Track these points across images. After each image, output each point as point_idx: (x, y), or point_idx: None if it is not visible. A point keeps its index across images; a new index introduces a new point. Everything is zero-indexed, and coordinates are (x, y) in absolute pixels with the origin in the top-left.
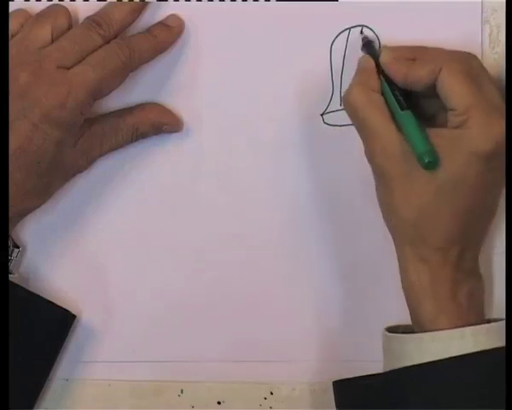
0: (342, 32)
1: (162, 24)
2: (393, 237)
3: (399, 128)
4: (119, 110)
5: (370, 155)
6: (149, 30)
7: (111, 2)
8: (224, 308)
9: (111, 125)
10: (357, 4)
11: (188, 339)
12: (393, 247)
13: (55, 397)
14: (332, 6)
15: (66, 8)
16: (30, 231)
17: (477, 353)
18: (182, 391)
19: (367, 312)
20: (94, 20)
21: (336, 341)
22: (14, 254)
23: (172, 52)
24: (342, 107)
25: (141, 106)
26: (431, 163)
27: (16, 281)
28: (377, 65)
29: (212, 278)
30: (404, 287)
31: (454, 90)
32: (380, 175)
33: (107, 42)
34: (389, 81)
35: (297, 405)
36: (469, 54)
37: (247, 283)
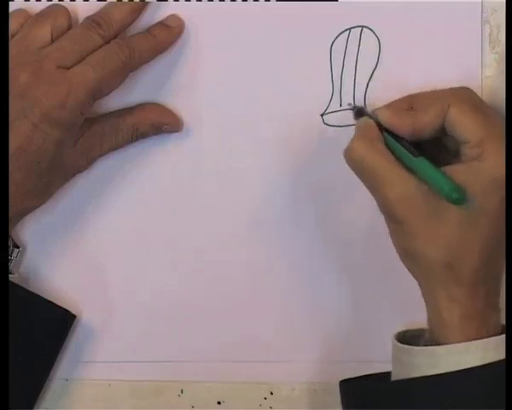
0: (342, 32)
1: (162, 24)
2: (420, 281)
3: (413, 174)
4: (119, 110)
5: (385, 204)
6: (149, 30)
7: (111, 2)
8: (224, 308)
9: (111, 125)
10: (357, 4)
11: (188, 339)
12: (394, 247)
13: (55, 397)
14: (332, 6)
15: (66, 8)
16: (30, 231)
17: (483, 366)
18: (182, 391)
19: (367, 312)
20: (94, 20)
21: (336, 341)
22: (14, 254)
23: (172, 52)
24: (342, 108)
25: (141, 106)
26: (460, 199)
27: (16, 281)
28: (377, 124)
29: (211, 277)
30: (432, 326)
31: (466, 125)
32: (397, 222)
33: (107, 42)
34: (393, 134)
35: (297, 405)
36: (466, 88)
37: (247, 283)
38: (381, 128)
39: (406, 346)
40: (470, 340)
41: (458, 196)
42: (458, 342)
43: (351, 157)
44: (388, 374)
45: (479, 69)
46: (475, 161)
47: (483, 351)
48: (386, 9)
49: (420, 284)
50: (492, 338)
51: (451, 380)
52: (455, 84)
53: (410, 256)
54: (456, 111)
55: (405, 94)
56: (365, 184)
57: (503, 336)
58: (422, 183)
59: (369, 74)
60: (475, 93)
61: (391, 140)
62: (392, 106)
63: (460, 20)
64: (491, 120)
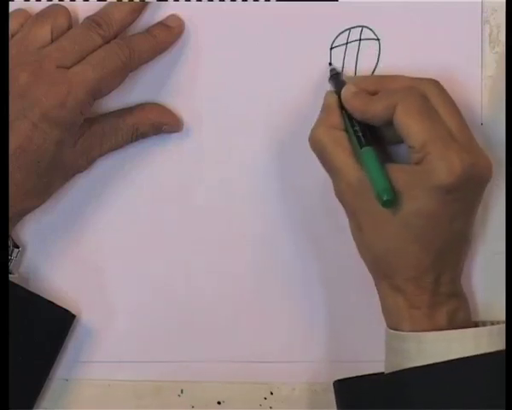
0: (342, 32)
1: (162, 24)
2: (369, 270)
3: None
4: (118, 110)
5: (338, 193)
6: (149, 30)
7: (111, 2)
8: (224, 308)
9: (111, 125)
10: (357, 4)
11: (188, 339)
12: None
13: (55, 397)
14: (332, 6)
15: (66, 8)
16: (30, 231)
17: (478, 356)
18: (182, 391)
19: (367, 312)
20: (94, 20)
21: (336, 341)
22: (14, 254)
23: (172, 52)
24: None
25: (141, 106)
26: (389, 201)
27: (16, 281)
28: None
29: (211, 277)
30: (383, 313)
31: (409, 128)
32: (349, 212)
33: (107, 42)
34: (350, 117)
35: (297, 405)
36: (429, 81)
37: (247, 283)
38: (342, 106)
39: (395, 331)
40: (421, 329)
41: (387, 198)
42: (409, 331)
43: (312, 142)
44: (382, 374)
45: (479, 69)
46: (417, 165)
47: (474, 340)
48: (386, 9)
49: (371, 274)
50: (486, 328)
51: (444, 370)
52: (455, 84)
53: (358, 246)
54: (401, 112)
55: None
56: (324, 169)
57: (499, 326)
58: None
59: (369, 74)
60: (438, 91)
61: (347, 124)
62: (360, 83)
63: (460, 20)
64: (442, 125)
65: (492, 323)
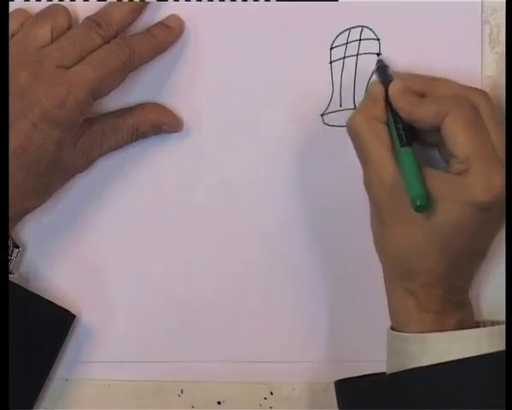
0: (342, 32)
1: (162, 24)
2: (383, 267)
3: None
4: (118, 110)
5: (368, 185)
6: (149, 30)
7: (111, 2)
8: (224, 308)
9: (111, 125)
10: (357, 4)
11: (188, 339)
12: None
13: (55, 397)
14: (332, 6)
15: (66, 8)
16: (30, 231)
17: (479, 356)
18: (182, 391)
19: (367, 312)
20: (94, 20)
21: (336, 341)
22: (14, 254)
23: (172, 52)
24: (342, 108)
25: (141, 106)
26: (422, 207)
27: (16, 281)
28: (387, 93)
29: (212, 277)
30: (390, 310)
31: (457, 139)
32: (375, 205)
33: (107, 42)
34: (395, 113)
35: (297, 405)
36: (479, 92)
37: (247, 283)
38: (388, 99)
39: (398, 333)
40: (429, 331)
41: (421, 204)
42: (415, 332)
43: (351, 127)
44: (384, 374)
45: (479, 69)
46: (458, 176)
47: (476, 340)
48: (386, 9)
49: (384, 275)
50: (487, 328)
51: (446, 371)
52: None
53: (376, 241)
54: (451, 121)
55: None
56: (358, 157)
57: (499, 326)
58: None
59: (369, 74)
60: (488, 103)
61: (390, 119)
62: (409, 81)
63: (460, 20)
64: (488, 141)
65: (493, 323)
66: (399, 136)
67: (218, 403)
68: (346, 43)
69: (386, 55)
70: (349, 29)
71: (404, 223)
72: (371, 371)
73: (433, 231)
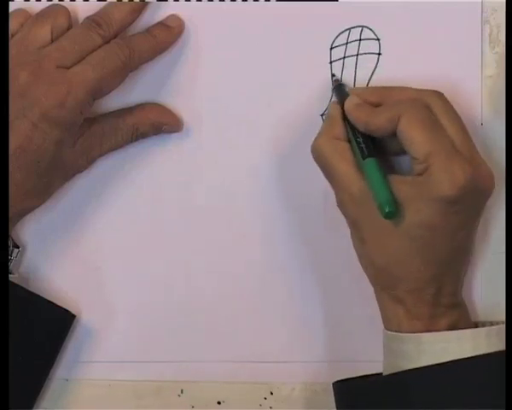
0: (342, 32)
1: (162, 24)
2: (369, 280)
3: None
4: (118, 110)
5: (340, 204)
6: (149, 30)
7: (111, 2)
8: (224, 309)
9: (111, 125)
10: (357, 4)
11: (188, 339)
12: None
13: (55, 397)
14: (332, 6)
15: (66, 8)
16: (30, 231)
17: (477, 357)
18: (182, 391)
19: (367, 312)
20: (94, 20)
21: (336, 341)
22: (14, 254)
23: (172, 52)
24: None
25: (141, 106)
26: (391, 213)
27: (16, 281)
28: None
29: (212, 277)
30: (383, 322)
31: (413, 139)
32: (351, 223)
33: (107, 42)
34: (353, 128)
35: (297, 405)
36: (432, 93)
37: (247, 283)
38: (345, 116)
39: (394, 333)
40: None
41: (389, 210)
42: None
43: (315, 151)
44: (381, 375)
45: (479, 69)
46: (420, 177)
47: (472, 341)
48: (386, 9)
49: (371, 283)
50: (484, 328)
51: (443, 371)
52: (455, 85)
53: (359, 256)
54: (405, 123)
55: None
56: (326, 178)
57: (497, 326)
58: None
59: (369, 74)
60: (441, 102)
61: (350, 135)
62: (364, 95)
63: (460, 20)
64: (446, 137)
65: (492, 323)
66: (360, 149)
67: (218, 403)
68: (346, 43)
69: (387, 55)
70: (349, 29)
71: (378, 233)
72: (371, 372)
73: (407, 234)
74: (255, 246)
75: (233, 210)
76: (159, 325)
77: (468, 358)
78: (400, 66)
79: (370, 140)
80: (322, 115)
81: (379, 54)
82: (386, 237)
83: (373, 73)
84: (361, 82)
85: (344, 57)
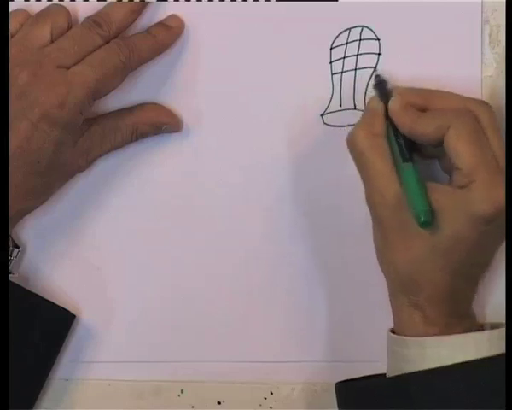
0: (342, 32)
1: (162, 24)
2: (387, 282)
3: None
4: (118, 110)
5: (369, 201)
6: (149, 30)
7: (111, 3)
8: (224, 308)
9: (110, 125)
10: (357, 4)
11: (188, 339)
12: None
13: (55, 397)
14: (332, 6)
15: (66, 8)
16: (30, 231)
17: (479, 360)
18: (182, 391)
19: (367, 312)
20: (94, 20)
21: (336, 341)
22: (14, 254)
23: (172, 52)
24: (342, 108)
25: (140, 106)
26: (426, 223)
27: (16, 281)
28: (387, 108)
29: (212, 277)
30: (396, 324)
31: (461, 152)
32: (377, 222)
33: (107, 42)
34: (395, 128)
35: (297, 405)
36: (480, 103)
37: (247, 283)
38: (388, 114)
39: (398, 336)
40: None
41: (425, 220)
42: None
43: (351, 143)
44: (384, 376)
45: (479, 69)
46: (461, 190)
47: (475, 344)
48: (386, 9)
49: (388, 289)
50: (486, 332)
51: (446, 374)
52: (455, 85)
53: (380, 257)
54: (453, 135)
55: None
56: (359, 173)
57: (499, 330)
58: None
59: (369, 74)
60: (489, 115)
61: (391, 134)
62: (408, 96)
63: (460, 20)
64: (490, 153)
65: (492, 326)
66: (401, 152)
67: (218, 403)
68: (346, 44)
69: (387, 55)
70: (349, 29)
71: (407, 239)
72: (371, 372)
73: (438, 245)
74: (256, 246)
75: (233, 210)
76: (159, 325)
77: (470, 361)
78: (400, 66)
79: (410, 143)
80: (322, 115)
81: (379, 54)
82: (415, 243)
83: (373, 73)
84: (361, 82)
85: (344, 57)
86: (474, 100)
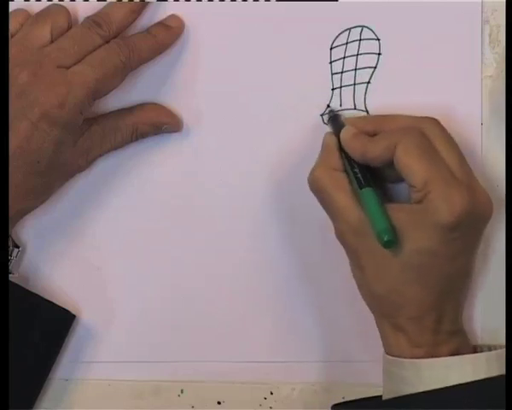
0: (342, 32)
1: (162, 24)
2: (371, 310)
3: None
4: (118, 110)
5: (338, 234)
6: (149, 30)
7: (111, 2)
8: (224, 308)
9: (110, 125)
10: (357, 4)
11: (188, 339)
12: None
13: (55, 397)
14: (332, 6)
15: (66, 8)
16: (30, 231)
17: (476, 382)
18: (182, 391)
19: (367, 312)
20: (94, 20)
21: (336, 341)
22: (14, 254)
23: (172, 52)
24: (342, 108)
25: (140, 106)
26: (389, 241)
27: (16, 281)
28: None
29: (212, 277)
30: (385, 349)
31: (410, 167)
32: (350, 253)
33: (107, 42)
34: (349, 158)
35: (297, 405)
36: (428, 120)
37: (247, 283)
38: (341, 147)
39: (394, 358)
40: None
41: (388, 239)
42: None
43: (311, 183)
44: (380, 399)
45: (479, 69)
46: (418, 205)
47: (473, 366)
48: (386, 9)
49: (372, 313)
50: (484, 353)
51: (443, 396)
52: (455, 85)
53: (359, 286)
54: (401, 151)
55: (404, 94)
56: (323, 208)
57: (497, 351)
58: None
59: (369, 74)
60: (437, 130)
61: (346, 165)
62: (359, 124)
63: (460, 20)
64: (442, 163)
65: (490, 348)
66: (357, 179)
67: (218, 403)
68: (346, 44)
69: (387, 55)
70: (349, 29)
71: (377, 262)
72: (371, 372)
73: (406, 262)
74: (256, 245)
75: (233, 210)
76: (159, 325)
77: (468, 383)
78: (400, 66)
79: (367, 169)
80: (322, 115)
81: (379, 54)
82: (386, 266)
83: (373, 72)
84: (361, 82)
85: (344, 57)
86: (422, 117)
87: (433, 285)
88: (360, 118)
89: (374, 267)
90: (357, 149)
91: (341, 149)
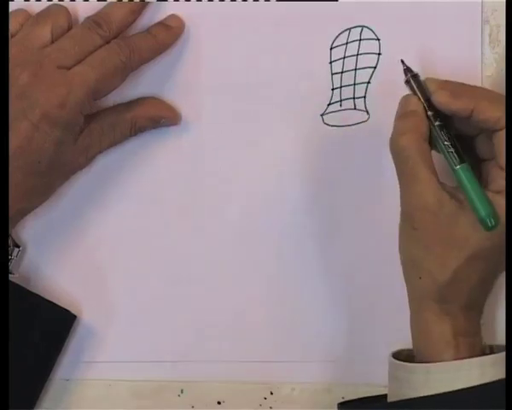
0: (342, 32)
1: (162, 24)
2: (412, 290)
3: (457, 183)
4: (116, 105)
5: (408, 206)
6: (149, 30)
7: (111, 3)
8: (225, 308)
9: (109, 120)
10: (357, 4)
11: (188, 339)
12: (395, 253)
13: (56, 397)
14: (332, 6)
15: (66, 8)
16: (30, 231)
17: (483, 385)
18: (182, 391)
19: (368, 313)
20: (94, 21)
21: (336, 341)
22: (15, 254)
23: (172, 52)
24: (342, 108)
25: (138, 100)
26: (494, 227)
27: (16, 281)
28: (424, 107)
29: (212, 277)
30: (417, 340)
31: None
32: (414, 228)
33: (107, 42)
34: (441, 130)
35: (297, 405)
36: None
37: (247, 283)
38: (427, 114)
39: (402, 362)
40: (464, 357)
41: (494, 224)
42: (453, 360)
43: (398, 147)
44: (385, 401)
45: (479, 69)
46: (499, 195)
47: (480, 369)
48: (386, 9)
49: (412, 297)
50: (490, 356)
51: (450, 400)
52: None
53: (414, 265)
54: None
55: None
56: (398, 174)
57: (502, 354)
58: (452, 203)
59: (369, 74)
60: None
61: (437, 137)
62: (447, 86)
63: (460, 20)
64: None
65: (491, 347)
66: (457, 152)
67: (218, 403)
68: (346, 44)
69: (387, 55)
70: (349, 29)
71: (448, 249)
72: (371, 372)
73: (476, 254)
74: (256, 244)
75: (232, 208)
76: (159, 325)
77: (474, 386)
78: (400, 66)
79: (459, 145)
80: (322, 115)
81: (379, 54)
82: (453, 254)
83: (373, 72)
84: (361, 82)
85: (344, 57)
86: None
87: (488, 279)
88: (439, 80)
89: (440, 252)
90: (467, 104)
91: (427, 115)
